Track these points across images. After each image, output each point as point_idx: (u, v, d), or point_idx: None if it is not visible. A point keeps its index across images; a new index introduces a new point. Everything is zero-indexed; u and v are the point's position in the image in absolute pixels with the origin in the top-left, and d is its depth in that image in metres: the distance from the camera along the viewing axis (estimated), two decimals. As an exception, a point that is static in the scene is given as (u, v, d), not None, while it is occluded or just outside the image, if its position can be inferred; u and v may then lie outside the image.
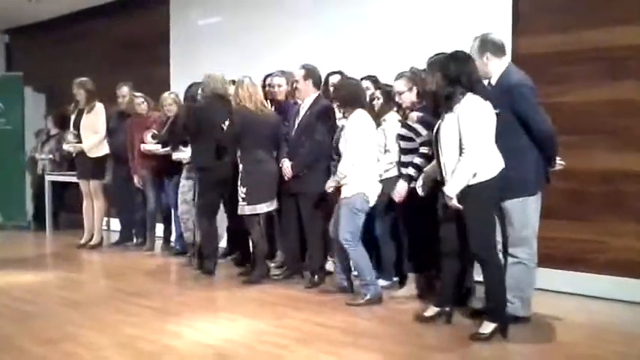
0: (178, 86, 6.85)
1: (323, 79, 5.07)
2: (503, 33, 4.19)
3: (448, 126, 3.58)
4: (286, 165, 4.90)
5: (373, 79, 5.01)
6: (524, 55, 4.75)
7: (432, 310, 3.95)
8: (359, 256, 4.41)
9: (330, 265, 5.02)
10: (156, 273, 5.63)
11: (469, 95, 3.55)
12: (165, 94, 6.38)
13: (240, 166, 5.03)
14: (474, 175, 3.51)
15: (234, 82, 5.75)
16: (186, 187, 5.66)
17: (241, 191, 4.97)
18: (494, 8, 4.99)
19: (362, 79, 4.97)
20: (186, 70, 7.12)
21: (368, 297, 4.38)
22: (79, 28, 8.82)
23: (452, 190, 3.54)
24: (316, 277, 4.92)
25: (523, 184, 3.70)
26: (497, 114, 3.60)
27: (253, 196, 4.94)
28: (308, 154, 4.82)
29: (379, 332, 3.85)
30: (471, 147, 3.48)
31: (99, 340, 3.65)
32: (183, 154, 5.75)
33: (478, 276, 4.43)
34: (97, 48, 8.60)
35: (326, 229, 4.82)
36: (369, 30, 5.79)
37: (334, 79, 5.05)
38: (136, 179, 6.60)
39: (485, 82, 3.80)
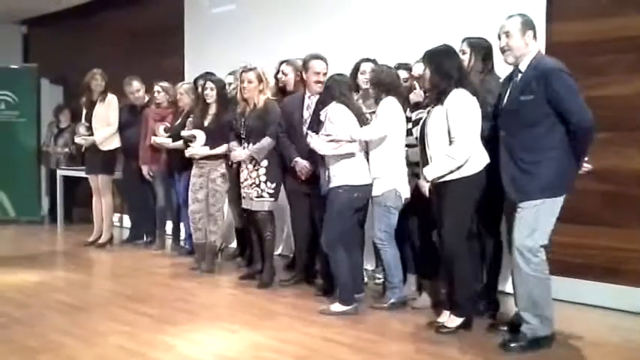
0: (192, 77, 6.58)
1: (353, 66, 4.65)
2: (534, 18, 3.75)
3: (436, 119, 3.56)
4: (302, 164, 4.56)
5: (407, 67, 4.60)
6: (557, 43, 4.32)
7: (452, 321, 3.65)
8: (391, 256, 4.12)
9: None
10: (160, 275, 5.34)
11: (457, 90, 3.53)
12: (178, 84, 6.11)
13: (266, 161, 4.72)
14: (458, 168, 3.46)
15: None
16: (197, 185, 5.32)
17: (268, 187, 4.72)
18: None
19: (396, 68, 4.54)
20: (200, 60, 6.83)
21: (392, 301, 4.14)
22: (95, 19, 8.61)
23: (431, 172, 3.53)
24: (327, 284, 4.54)
25: (550, 184, 3.26)
26: (526, 101, 3.25)
27: (277, 192, 4.78)
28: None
29: (391, 350, 3.47)
30: (461, 138, 3.47)
31: (82, 352, 3.35)
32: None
33: (502, 286, 4.10)
34: (112, 38, 8.37)
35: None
36: (391, 15, 5.38)
37: (367, 67, 4.59)
38: (145, 170, 6.34)
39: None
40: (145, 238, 6.80)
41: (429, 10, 5.15)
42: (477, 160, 3.53)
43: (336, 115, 4.06)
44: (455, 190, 3.52)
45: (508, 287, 4.37)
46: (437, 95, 3.59)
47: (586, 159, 3.41)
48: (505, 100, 3.44)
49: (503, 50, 3.42)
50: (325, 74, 4.55)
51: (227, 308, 4.38)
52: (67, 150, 8.14)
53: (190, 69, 7.12)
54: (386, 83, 4.13)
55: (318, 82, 4.55)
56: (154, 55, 7.59)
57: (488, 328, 3.70)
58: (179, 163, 5.86)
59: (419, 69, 4.18)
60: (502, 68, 3.75)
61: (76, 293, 4.70)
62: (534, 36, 3.40)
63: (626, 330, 3.84)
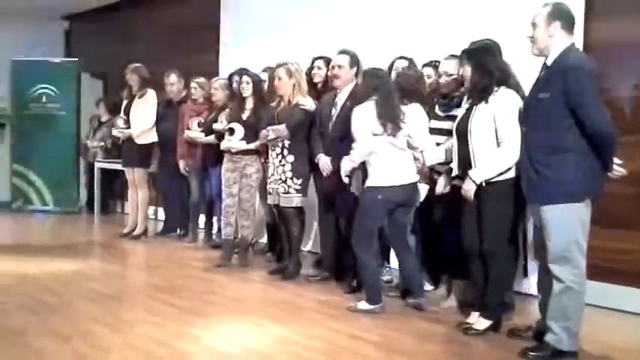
0: (226, 73, 6.62)
1: (389, 64, 4.61)
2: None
3: (481, 118, 3.48)
4: (324, 160, 4.56)
5: (435, 65, 4.56)
6: (597, 42, 4.20)
7: (480, 323, 3.60)
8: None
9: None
10: (191, 267, 5.39)
11: (503, 89, 3.46)
12: (213, 80, 6.19)
13: (292, 157, 4.76)
14: (507, 170, 3.40)
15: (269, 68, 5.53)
16: (231, 179, 5.35)
17: (295, 183, 4.76)
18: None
19: (424, 65, 4.56)
20: (235, 57, 6.90)
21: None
22: (134, 15, 8.77)
23: (479, 175, 3.45)
24: (355, 281, 4.54)
25: (567, 188, 3.10)
26: (543, 99, 3.12)
27: (305, 188, 4.80)
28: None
29: (417, 350, 3.43)
30: (510, 139, 3.38)
31: (111, 339, 3.42)
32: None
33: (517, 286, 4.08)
34: (150, 35, 8.52)
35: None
36: (430, 11, 5.32)
37: (400, 64, 4.55)
38: (181, 165, 6.42)
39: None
40: (178, 231, 6.88)
41: (459, 5, 5.08)
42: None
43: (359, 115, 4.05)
44: (498, 191, 3.45)
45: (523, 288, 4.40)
46: (479, 94, 3.50)
47: (619, 162, 3.21)
48: (527, 98, 3.35)
49: (530, 40, 3.27)
50: (341, 67, 4.53)
51: (255, 302, 4.41)
52: (102, 144, 8.30)
53: (225, 65, 7.17)
54: (404, 89, 4.12)
55: (334, 76, 4.58)
56: (190, 51, 7.68)
57: (509, 333, 3.60)
58: (212, 157, 5.94)
59: (447, 66, 4.09)
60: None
61: (109, 283, 4.80)
62: (565, 27, 3.17)
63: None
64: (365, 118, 3.97)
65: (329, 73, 4.84)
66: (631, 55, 4.17)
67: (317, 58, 5.24)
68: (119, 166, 7.28)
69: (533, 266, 4.19)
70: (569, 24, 3.23)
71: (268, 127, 4.79)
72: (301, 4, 6.45)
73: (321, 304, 4.29)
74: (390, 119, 3.96)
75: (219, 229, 6.08)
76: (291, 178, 4.77)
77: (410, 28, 5.36)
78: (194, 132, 6.15)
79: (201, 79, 6.35)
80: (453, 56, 4.16)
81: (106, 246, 6.41)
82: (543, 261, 3.38)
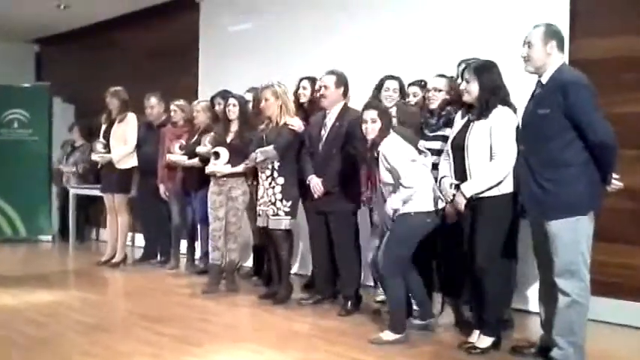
0: (206, 95, 6.57)
1: (377, 83, 4.62)
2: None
3: (479, 134, 3.52)
4: (315, 182, 4.51)
5: (421, 84, 4.59)
6: (582, 59, 4.24)
7: (483, 341, 3.58)
8: None
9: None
10: (177, 294, 5.26)
11: (503, 107, 3.53)
12: (194, 102, 6.10)
13: (281, 179, 4.69)
14: (497, 185, 3.44)
15: (253, 89, 5.50)
16: (217, 202, 5.24)
17: (285, 205, 4.68)
18: (549, 7, 4.51)
19: (409, 85, 4.58)
20: (215, 78, 6.82)
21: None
22: (108, 37, 8.63)
23: (470, 189, 3.48)
24: (350, 303, 4.49)
25: (572, 202, 3.14)
26: (543, 115, 3.17)
27: (295, 210, 4.71)
28: (345, 169, 4.40)
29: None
30: (503, 154, 3.44)
31: (107, 374, 3.29)
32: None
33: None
34: (126, 57, 8.39)
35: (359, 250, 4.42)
36: (410, 31, 5.36)
37: (391, 84, 4.57)
38: (162, 189, 6.29)
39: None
40: (158, 257, 6.73)
41: (446, 26, 5.12)
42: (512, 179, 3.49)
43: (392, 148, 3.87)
44: (491, 207, 3.47)
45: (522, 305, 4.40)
46: (481, 110, 3.52)
47: (616, 176, 3.29)
48: (524, 114, 3.38)
49: (523, 59, 3.35)
50: (327, 87, 4.51)
51: (249, 329, 4.32)
52: (74, 169, 8.11)
53: (204, 88, 7.11)
54: (403, 123, 4.10)
55: (321, 95, 4.56)
56: (169, 74, 7.58)
57: (511, 351, 3.59)
58: (195, 181, 5.84)
59: (437, 83, 4.16)
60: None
61: (94, 313, 4.62)
62: (559, 46, 3.29)
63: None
64: (399, 148, 3.81)
65: (316, 94, 4.81)
66: (614, 72, 4.25)
67: (303, 79, 5.23)
68: (95, 192, 7.11)
69: (522, 281, 4.24)
70: (561, 42, 3.36)
71: (257, 150, 4.73)
72: (281, 25, 6.43)
73: (318, 328, 4.21)
74: (415, 142, 3.92)
75: (204, 254, 5.99)
76: (281, 200, 4.70)
77: (396, 48, 5.38)
78: (176, 155, 6.04)
79: (181, 102, 6.27)
80: (442, 76, 4.26)
81: (85, 274, 6.20)
82: (544, 276, 3.40)
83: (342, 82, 4.54)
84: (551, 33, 3.31)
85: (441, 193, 3.74)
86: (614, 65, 4.28)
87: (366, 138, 3.88)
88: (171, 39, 7.73)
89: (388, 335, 3.81)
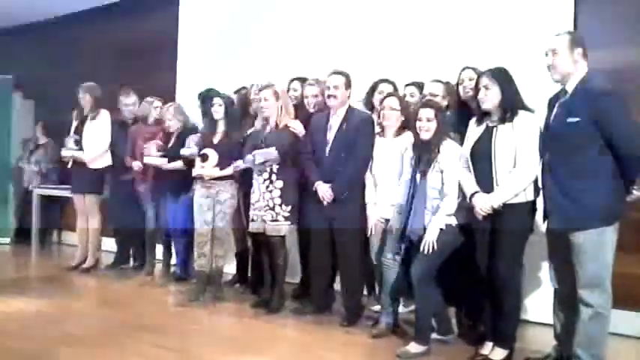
0: (184, 95, 6.35)
1: (370, 87, 4.55)
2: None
3: (505, 139, 3.45)
4: (323, 188, 4.32)
5: (418, 85, 4.52)
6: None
7: (497, 354, 3.54)
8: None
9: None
10: (162, 303, 5.02)
11: (527, 112, 3.47)
12: (164, 107, 5.80)
13: (280, 182, 4.51)
14: (524, 190, 3.40)
15: (243, 88, 5.38)
16: (204, 206, 5.00)
17: (284, 210, 4.52)
18: (552, 21, 4.51)
19: (406, 85, 4.52)
20: (194, 77, 6.59)
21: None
22: (76, 31, 8.21)
23: (498, 199, 3.40)
24: (351, 313, 4.36)
25: (599, 212, 3.12)
26: (573, 124, 3.13)
27: (294, 215, 4.56)
28: (354, 173, 4.24)
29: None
30: (528, 160, 3.38)
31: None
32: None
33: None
34: (95, 53, 7.97)
35: (364, 260, 4.29)
36: (399, 33, 5.30)
37: (384, 88, 4.49)
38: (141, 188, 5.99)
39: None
40: (132, 262, 6.43)
41: (446, 31, 5.07)
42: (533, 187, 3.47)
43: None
44: (516, 214, 3.41)
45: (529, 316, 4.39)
46: (504, 114, 3.47)
47: (636, 187, 3.27)
48: (551, 122, 3.33)
49: (548, 68, 3.32)
50: (337, 87, 4.36)
51: (250, 340, 4.08)
52: (36, 168, 7.69)
53: (182, 86, 6.86)
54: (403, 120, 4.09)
55: (330, 95, 4.39)
56: (143, 70, 7.26)
57: None
58: (177, 184, 5.56)
59: (433, 88, 4.20)
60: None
61: (80, 323, 4.33)
62: (584, 54, 3.27)
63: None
64: (456, 155, 3.68)
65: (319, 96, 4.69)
66: (620, 82, 4.26)
67: (294, 80, 5.09)
68: (62, 192, 6.73)
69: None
70: (585, 51, 3.30)
71: (254, 152, 4.54)
72: (266, 21, 6.25)
73: (320, 338, 4.07)
74: None
75: (182, 261, 5.74)
76: (280, 205, 4.53)
77: (390, 51, 5.30)
78: (154, 158, 5.71)
79: (150, 99, 6.01)
80: (438, 81, 4.26)
81: (57, 281, 5.81)
82: (562, 287, 3.37)
83: (350, 82, 4.41)
84: (577, 40, 3.27)
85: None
86: (616, 78, 4.28)
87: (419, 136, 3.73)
88: (148, 35, 7.41)
89: (415, 347, 3.71)
